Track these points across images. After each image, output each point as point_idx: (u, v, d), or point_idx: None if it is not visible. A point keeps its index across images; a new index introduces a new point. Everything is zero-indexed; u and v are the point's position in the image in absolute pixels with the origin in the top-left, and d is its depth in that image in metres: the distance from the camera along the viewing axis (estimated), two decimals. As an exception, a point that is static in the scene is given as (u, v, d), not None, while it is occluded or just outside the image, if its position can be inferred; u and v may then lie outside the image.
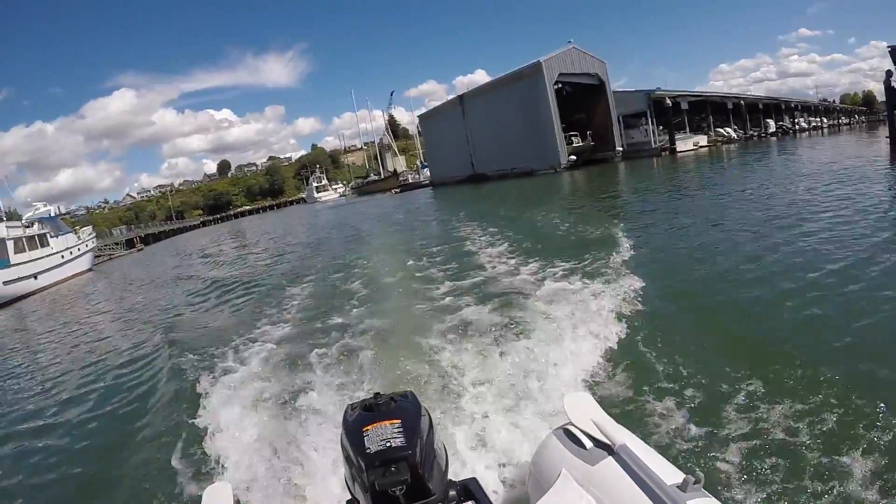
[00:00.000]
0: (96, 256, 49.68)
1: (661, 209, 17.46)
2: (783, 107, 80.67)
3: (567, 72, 51.60)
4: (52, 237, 40.24)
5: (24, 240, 36.05)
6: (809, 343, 5.46)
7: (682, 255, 10.02)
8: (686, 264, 9.21)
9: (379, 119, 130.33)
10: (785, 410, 4.05)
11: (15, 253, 34.24)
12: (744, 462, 3.56)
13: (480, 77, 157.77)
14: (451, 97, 75.18)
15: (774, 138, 65.95)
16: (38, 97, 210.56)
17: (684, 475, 2.13)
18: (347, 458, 2.19)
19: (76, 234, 46.36)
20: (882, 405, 4.04)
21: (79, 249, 44.20)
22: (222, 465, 4.55)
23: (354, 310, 8.83)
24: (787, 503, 3.31)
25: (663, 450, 3.41)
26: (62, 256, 40.34)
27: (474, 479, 2.45)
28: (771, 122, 72.89)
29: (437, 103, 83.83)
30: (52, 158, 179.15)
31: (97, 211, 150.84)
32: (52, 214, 46.41)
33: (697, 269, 8.75)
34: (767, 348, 5.29)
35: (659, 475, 2.18)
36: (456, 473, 2.54)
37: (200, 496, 2.67)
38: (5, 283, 31.79)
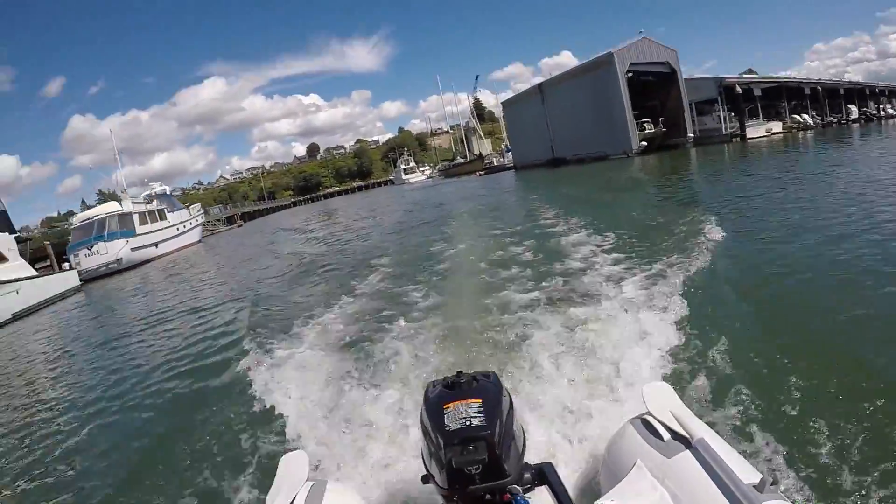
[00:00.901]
0: (203, 230, 56.23)
1: (739, 198, 15.93)
2: (867, 92, 75.58)
3: (638, 61, 53.97)
4: (168, 212, 47.31)
5: (146, 213, 43.29)
6: None
7: (775, 252, 9.13)
8: (779, 262, 8.46)
9: (464, 102, 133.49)
10: (872, 426, 3.83)
11: (140, 224, 41.42)
12: (822, 470, 3.44)
13: (566, 58, 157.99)
14: (536, 79, 77.86)
15: (857, 125, 62.45)
16: (132, 87, 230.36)
17: (761, 475, 2.06)
18: (426, 434, 2.22)
19: (188, 210, 53.06)
20: None
21: (190, 224, 51.41)
22: (299, 435, 4.69)
23: (437, 287, 9.16)
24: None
25: (741, 449, 3.31)
26: (177, 229, 47.62)
27: (549, 464, 2.44)
28: (853, 109, 69.02)
29: (523, 86, 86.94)
30: (146, 144, 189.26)
31: (192, 192, 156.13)
32: (168, 193, 53.32)
33: (792, 268, 8.07)
34: (861, 360, 4.96)
35: (736, 473, 2.08)
36: (532, 457, 2.51)
37: (276, 464, 2.64)
38: (133, 249, 38.60)
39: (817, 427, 3.83)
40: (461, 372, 2.38)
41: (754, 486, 2.02)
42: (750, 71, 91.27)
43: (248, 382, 6.36)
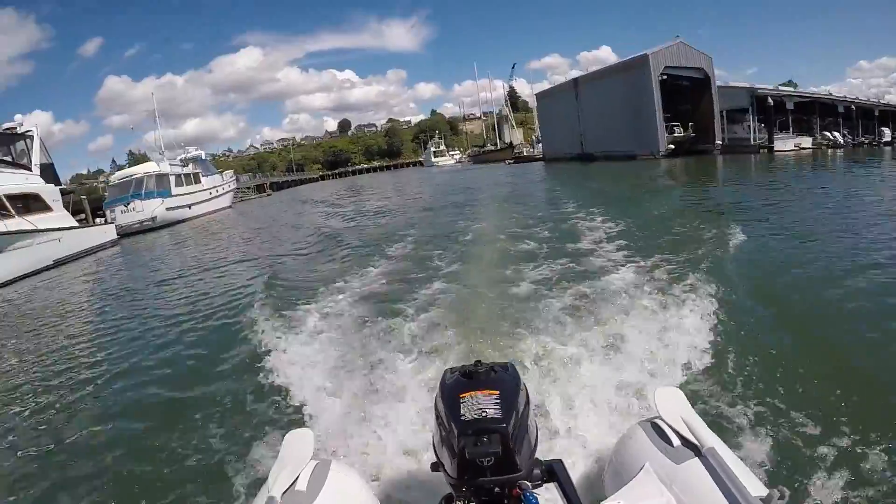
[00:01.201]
0: (234, 197, 57.99)
1: (764, 207, 16.58)
2: None
3: (673, 65, 54.70)
4: (203, 176, 49.01)
5: (182, 176, 45.13)
6: None
7: (795, 262, 9.33)
8: (798, 273, 8.57)
9: (499, 90, 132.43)
10: (884, 447, 3.79)
11: (175, 186, 43.24)
12: (833, 490, 3.43)
13: (605, 54, 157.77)
14: (573, 72, 78.30)
15: (889, 148, 60.19)
16: (169, 52, 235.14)
17: (769, 489, 2.07)
18: (440, 422, 2.20)
19: (221, 175, 54.63)
20: None
21: (223, 189, 53.06)
22: (306, 412, 4.73)
23: (459, 274, 9.18)
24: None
25: (750, 461, 3.37)
26: (210, 193, 49.45)
27: (560, 462, 2.42)
28: (886, 131, 66.13)
29: (559, 77, 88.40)
30: (180, 108, 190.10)
31: (222, 158, 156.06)
32: (203, 157, 54.69)
33: (810, 280, 8.17)
34: (874, 376, 5.02)
35: (745, 485, 2.09)
36: (543, 453, 2.47)
37: (282, 441, 2.62)
38: (168, 209, 40.56)
39: (832, 446, 3.83)
40: (479, 361, 2.34)
41: (762, 500, 2.05)
42: (790, 82, 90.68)
43: (260, 354, 6.44)
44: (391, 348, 5.84)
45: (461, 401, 2.12)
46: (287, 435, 2.73)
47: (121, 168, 54.75)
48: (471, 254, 10.91)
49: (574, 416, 4.17)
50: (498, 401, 2.10)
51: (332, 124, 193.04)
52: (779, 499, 2.04)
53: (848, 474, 3.56)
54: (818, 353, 5.51)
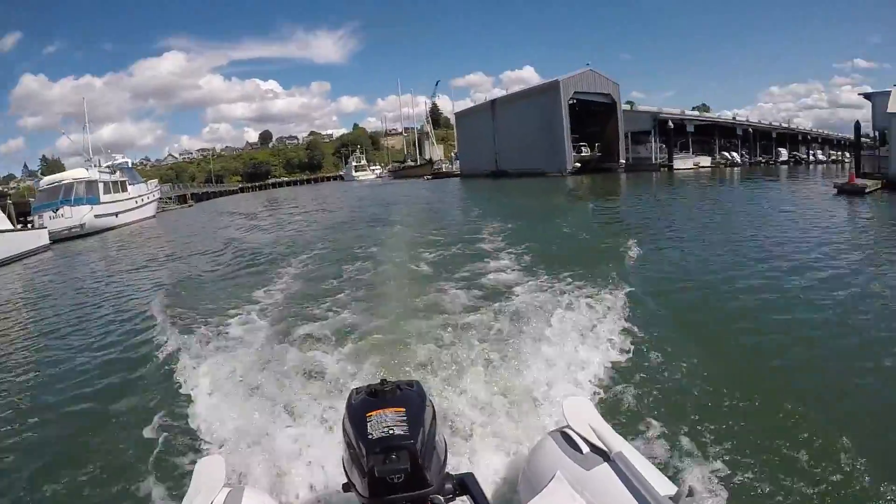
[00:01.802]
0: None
1: (660, 220, 18.05)
2: (800, 137, 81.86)
3: (582, 90, 58.78)
4: (130, 185, 48.22)
5: (110, 183, 44.20)
6: (806, 364, 5.70)
7: (688, 270, 9.97)
8: (692, 279, 9.13)
9: (422, 105, 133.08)
10: (780, 433, 4.07)
11: (104, 193, 42.03)
12: (736, 479, 3.54)
13: (528, 73, 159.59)
14: (496, 90, 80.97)
15: (786, 167, 66.75)
16: (89, 51, 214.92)
17: (677, 488, 2.16)
18: (348, 442, 2.19)
19: (146, 184, 54.05)
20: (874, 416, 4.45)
21: (148, 198, 51.85)
22: (216, 438, 4.52)
23: (366, 291, 8.88)
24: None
25: (658, 462, 3.47)
26: (136, 202, 48.12)
27: (471, 475, 2.42)
28: (783, 151, 74.41)
29: (482, 95, 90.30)
30: (98, 112, 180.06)
31: (139, 167, 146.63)
32: (129, 165, 54.06)
33: (702, 285, 8.78)
34: (765, 367, 5.33)
35: (653, 486, 2.17)
36: (453, 467, 2.50)
37: (192, 470, 2.58)
38: (97, 216, 39.46)
39: (733, 441, 3.99)
40: (385, 380, 2.35)
41: (670, 499, 2.14)
42: (703, 105, 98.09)
43: (166, 376, 6.14)
44: (299, 369, 5.65)
45: (368, 420, 2.14)
46: (198, 463, 2.78)
47: (33, 174, 53.46)
48: (381, 270, 10.54)
49: (484, 429, 4.18)
50: (404, 418, 2.14)
51: (252, 135, 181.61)
52: (687, 495, 2.26)
53: (751, 467, 3.72)
54: (715, 356, 5.75)
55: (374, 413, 2.15)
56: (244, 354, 6.31)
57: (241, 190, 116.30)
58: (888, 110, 31.10)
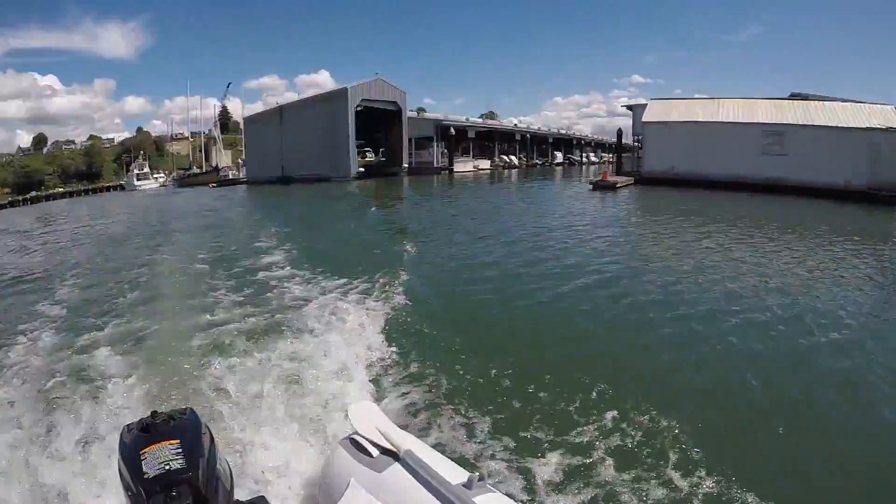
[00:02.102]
0: None
1: (437, 222, 19.68)
2: (575, 142, 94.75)
3: (370, 98, 60.68)
4: None
5: None
6: (567, 346, 6.24)
7: (461, 265, 10.66)
8: (465, 274, 9.79)
9: (212, 108, 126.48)
10: (551, 408, 4.38)
11: None
12: (521, 456, 3.82)
13: (324, 78, 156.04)
14: (289, 93, 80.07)
15: (560, 168, 75.73)
16: None
17: (469, 474, 2.28)
18: (125, 485, 1.97)
19: None
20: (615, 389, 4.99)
21: None
22: None
23: (133, 317, 8.26)
24: (559, 488, 3.71)
25: (449, 452, 3.56)
26: None
27: (262, 497, 2.29)
28: (558, 154, 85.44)
29: (275, 99, 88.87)
30: None
31: None
32: None
33: (475, 278, 9.48)
34: (539, 355, 5.62)
35: (445, 476, 2.29)
36: (248, 492, 2.47)
37: None
38: None
39: (512, 422, 4.27)
40: (156, 412, 2.11)
41: (463, 485, 2.26)
42: (491, 113, 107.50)
43: None
44: (65, 409, 5.08)
45: (142, 458, 1.94)
46: None
47: None
48: (149, 296, 9.70)
49: (271, 449, 4.08)
50: (179, 450, 1.96)
51: (25, 139, 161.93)
52: (479, 479, 2.30)
53: (531, 445, 3.98)
54: (489, 346, 6.10)
55: (147, 450, 1.94)
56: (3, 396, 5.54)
57: (11, 204, 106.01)
58: (643, 120, 41.18)
